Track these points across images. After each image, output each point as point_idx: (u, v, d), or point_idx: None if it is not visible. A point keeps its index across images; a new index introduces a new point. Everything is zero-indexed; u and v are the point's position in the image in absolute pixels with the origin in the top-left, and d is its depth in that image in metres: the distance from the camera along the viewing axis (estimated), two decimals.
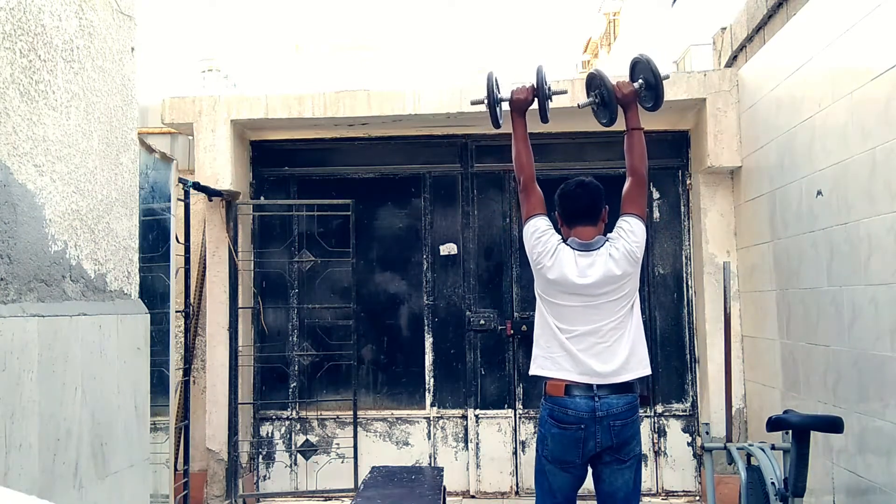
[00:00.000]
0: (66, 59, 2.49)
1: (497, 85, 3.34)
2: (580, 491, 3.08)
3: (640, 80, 3.26)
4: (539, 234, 3.07)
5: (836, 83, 3.59)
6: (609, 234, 3.08)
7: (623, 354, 2.97)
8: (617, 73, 3.56)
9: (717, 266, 5.09)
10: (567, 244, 3.06)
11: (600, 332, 2.97)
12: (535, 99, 3.21)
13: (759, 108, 4.62)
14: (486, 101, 3.29)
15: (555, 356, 3.01)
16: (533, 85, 3.21)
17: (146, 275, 3.87)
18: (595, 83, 3.32)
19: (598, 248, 3.03)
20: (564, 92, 3.37)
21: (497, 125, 3.35)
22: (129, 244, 2.90)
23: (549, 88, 3.27)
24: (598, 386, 2.93)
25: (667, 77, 3.24)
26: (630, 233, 3.03)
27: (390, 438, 5.52)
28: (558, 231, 3.14)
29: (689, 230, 5.50)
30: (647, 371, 3.02)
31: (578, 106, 3.40)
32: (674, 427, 5.42)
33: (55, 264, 2.39)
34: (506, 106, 3.27)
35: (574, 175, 3.23)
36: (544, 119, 3.27)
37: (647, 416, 5.40)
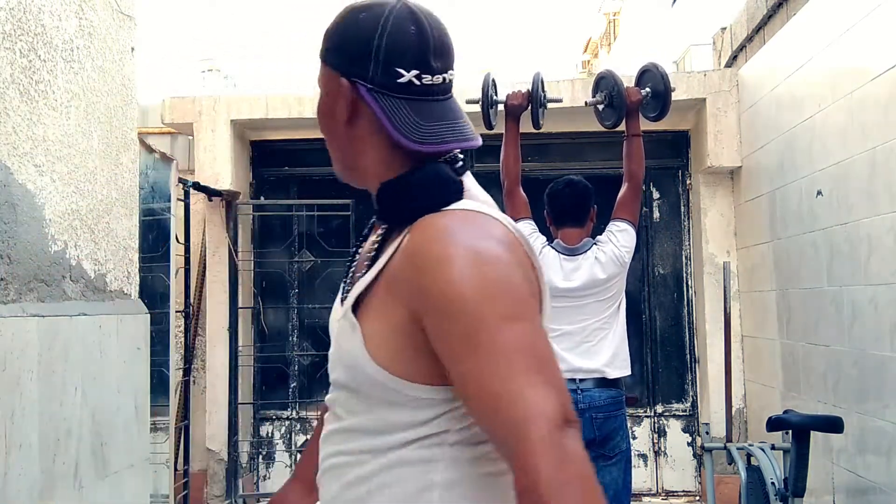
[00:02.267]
0: (66, 59, 2.49)
1: (494, 87, 3.35)
2: None
3: (648, 89, 3.26)
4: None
5: (836, 83, 3.59)
6: (598, 237, 3.10)
7: (607, 353, 3.00)
8: (616, 72, 3.56)
9: (717, 266, 5.09)
10: (552, 247, 3.08)
11: (585, 331, 3.01)
12: (530, 105, 3.22)
13: (759, 108, 4.62)
14: (480, 102, 3.31)
15: None
16: (528, 91, 3.22)
17: (146, 275, 3.88)
18: (605, 84, 3.32)
19: (585, 251, 3.06)
20: (559, 100, 3.38)
21: (489, 126, 3.37)
22: (129, 244, 2.90)
23: (545, 96, 3.28)
24: (581, 380, 2.97)
25: (673, 90, 3.25)
26: (620, 237, 3.05)
27: None
28: (545, 231, 3.16)
29: (689, 230, 5.50)
30: (628, 371, 3.06)
31: (586, 103, 3.40)
32: (674, 427, 5.41)
33: (55, 264, 2.39)
34: (501, 107, 3.29)
35: (574, 175, 3.24)
36: (536, 126, 3.29)
37: (647, 416, 5.40)
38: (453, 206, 1.06)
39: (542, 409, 0.92)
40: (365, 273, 1.10)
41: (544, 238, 3.12)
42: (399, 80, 1.07)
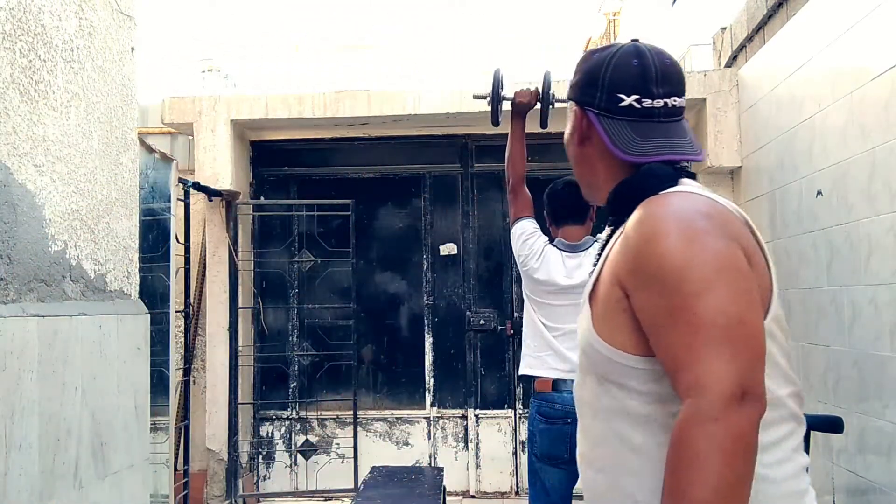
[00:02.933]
0: (66, 59, 2.49)
1: (501, 83, 3.32)
2: (575, 490, 3.08)
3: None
4: (526, 236, 3.11)
5: (836, 83, 3.59)
6: (599, 235, 3.09)
7: None
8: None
9: None
10: (554, 245, 3.10)
11: None
12: (539, 104, 3.21)
13: (759, 108, 4.62)
14: (488, 98, 3.27)
15: (542, 355, 3.05)
16: (538, 89, 3.20)
17: (146, 275, 3.87)
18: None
19: (587, 248, 3.08)
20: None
21: (496, 123, 3.34)
22: (129, 244, 2.90)
23: (553, 95, 3.26)
24: None
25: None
26: None
27: (390, 438, 5.52)
28: (545, 231, 3.17)
29: None
30: None
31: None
32: None
33: (55, 264, 2.39)
34: (507, 105, 3.27)
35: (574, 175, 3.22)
36: (544, 125, 3.27)
37: None
38: (668, 190, 1.20)
39: (712, 380, 1.01)
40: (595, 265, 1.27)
41: (546, 238, 3.13)
42: (620, 105, 1.26)
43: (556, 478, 3.02)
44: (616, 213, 1.28)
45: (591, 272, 1.28)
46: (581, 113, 1.31)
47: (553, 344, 3.01)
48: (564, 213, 3.12)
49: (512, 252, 5.75)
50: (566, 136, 1.38)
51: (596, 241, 3.07)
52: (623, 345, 1.14)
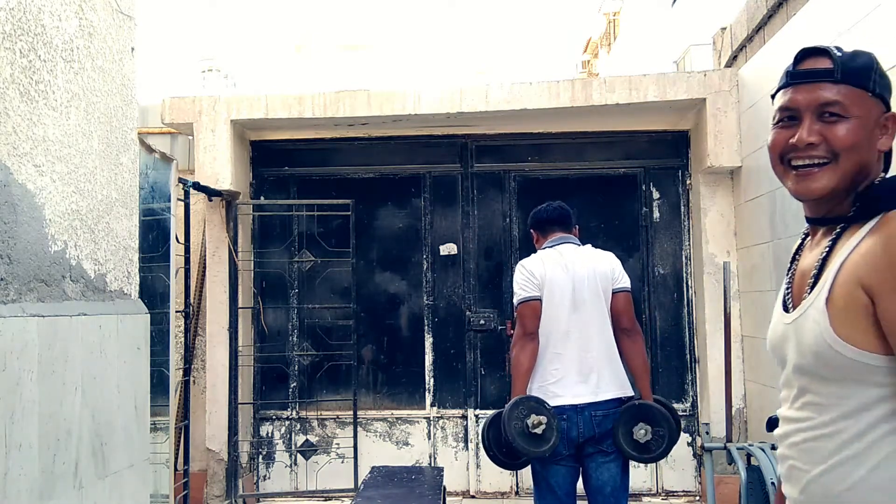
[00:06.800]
0: (66, 59, 2.49)
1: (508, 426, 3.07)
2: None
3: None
4: (525, 276, 3.34)
5: None
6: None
7: (620, 378, 3.26)
8: (616, 71, 3.56)
9: (717, 266, 5.09)
10: (545, 248, 3.37)
11: (589, 344, 3.26)
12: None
13: (760, 108, 4.62)
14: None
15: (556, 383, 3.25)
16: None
17: (146, 275, 3.88)
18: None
19: (581, 244, 3.35)
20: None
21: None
22: (129, 244, 2.90)
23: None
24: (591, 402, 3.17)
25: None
26: (619, 273, 3.30)
27: (390, 438, 5.52)
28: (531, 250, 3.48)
29: (689, 230, 5.50)
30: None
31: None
32: None
33: (55, 264, 2.39)
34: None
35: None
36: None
37: None
38: None
39: None
40: (819, 272, 1.31)
41: (525, 265, 3.39)
42: None
43: (560, 474, 3.09)
44: (862, 215, 1.32)
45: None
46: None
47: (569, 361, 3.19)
48: (550, 222, 3.39)
49: (512, 252, 5.75)
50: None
51: (590, 246, 3.34)
52: (869, 345, 1.21)
